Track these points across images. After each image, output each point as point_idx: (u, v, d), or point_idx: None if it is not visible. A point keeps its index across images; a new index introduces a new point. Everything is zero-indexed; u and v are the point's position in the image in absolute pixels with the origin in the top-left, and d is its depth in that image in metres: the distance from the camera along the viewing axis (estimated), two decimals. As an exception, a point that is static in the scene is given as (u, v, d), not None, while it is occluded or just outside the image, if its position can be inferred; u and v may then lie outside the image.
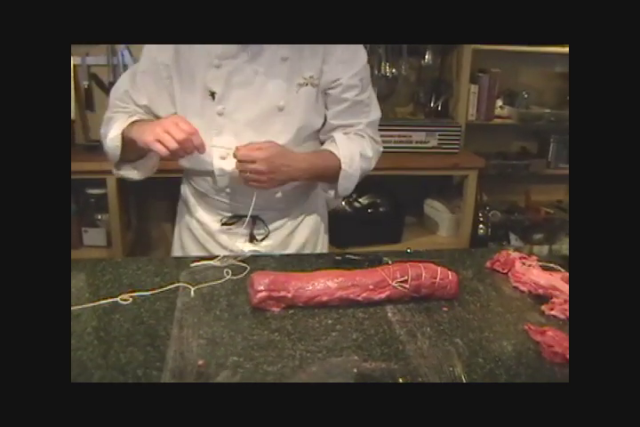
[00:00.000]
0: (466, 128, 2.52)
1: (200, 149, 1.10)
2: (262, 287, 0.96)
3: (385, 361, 0.82)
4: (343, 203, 2.40)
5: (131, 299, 0.99)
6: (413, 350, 0.85)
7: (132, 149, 1.18)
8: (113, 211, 2.16)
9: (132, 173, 1.27)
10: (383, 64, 2.48)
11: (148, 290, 1.02)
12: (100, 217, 2.25)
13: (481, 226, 2.53)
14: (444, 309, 0.99)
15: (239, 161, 1.12)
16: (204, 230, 1.32)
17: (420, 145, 2.39)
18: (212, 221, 1.31)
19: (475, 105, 2.60)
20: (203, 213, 1.32)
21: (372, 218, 2.41)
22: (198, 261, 1.13)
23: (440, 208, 2.55)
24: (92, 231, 2.24)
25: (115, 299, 0.99)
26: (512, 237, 2.70)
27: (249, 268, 1.10)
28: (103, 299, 0.99)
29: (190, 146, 1.08)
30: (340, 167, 1.21)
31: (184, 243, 1.37)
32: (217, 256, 1.16)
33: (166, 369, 0.79)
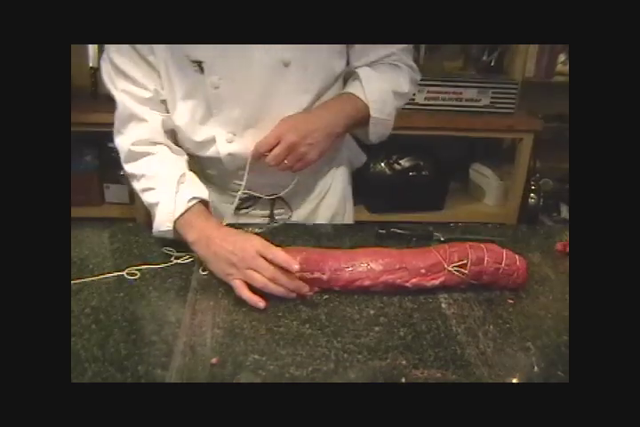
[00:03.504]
0: (522, 86, 2.27)
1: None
2: (292, 267, 0.80)
3: (440, 369, 0.66)
4: (383, 164, 2.21)
5: (138, 273, 0.85)
6: (475, 356, 0.69)
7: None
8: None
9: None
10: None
11: (158, 263, 0.88)
12: (122, 173, 2.11)
13: (532, 195, 2.31)
14: (510, 301, 0.82)
15: (259, 155, 0.94)
16: (216, 215, 1.07)
17: (470, 104, 2.16)
18: (223, 204, 1.09)
19: (533, 60, 2.33)
20: (214, 197, 1.03)
21: (413, 182, 2.22)
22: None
23: (488, 174, 2.34)
24: (113, 187, 2.11)
25: (121, 273, 0.85)
26: (563, 208, 2.48)
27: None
28: (108, 273, 0.85)
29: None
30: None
31: None
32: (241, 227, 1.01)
33: (173, 367, 0.65)
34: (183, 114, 0.95)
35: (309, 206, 1.14)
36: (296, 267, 0.76)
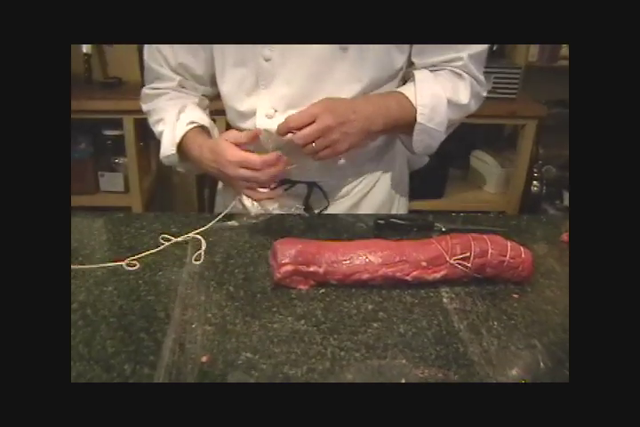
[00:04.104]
0: (525, 71, 2.22)
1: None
2: (287, 260, 0.77)
3: (441, 368, 0.63)
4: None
5: (126, 265, 0.82)
6: (478, 354, 0.66)
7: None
8: (131, 154, 1.97)
9: (190, 170, 1.05)
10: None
11: (144, 251, 0.84)
12: (117, 160, 2.06)
13: (534, 183, 2.27)
14: (514, 295, 0.79)
15: (288, 131, 0.86)
16: (249, 201, 1.05)
17: (472, 89, 2.12)
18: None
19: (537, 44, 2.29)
20: None
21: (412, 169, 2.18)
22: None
23: (489, 161, 2.29)
24: (108, 176, 2.06)
25: (110, 264, 0.82)
26: (566, 195, 2.44)
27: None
28: (97, 264, 0.82)
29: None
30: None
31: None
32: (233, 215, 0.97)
33: (161, 366, 0.62)
34: (231, 82, 0.96)
35: (349, 202, 1.08)
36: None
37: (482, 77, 0.98)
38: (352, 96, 0.93)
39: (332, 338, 0.67)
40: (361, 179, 1.07)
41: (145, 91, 1.05)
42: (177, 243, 0.88)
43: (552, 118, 2.27)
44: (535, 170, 2.28)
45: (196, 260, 0.84)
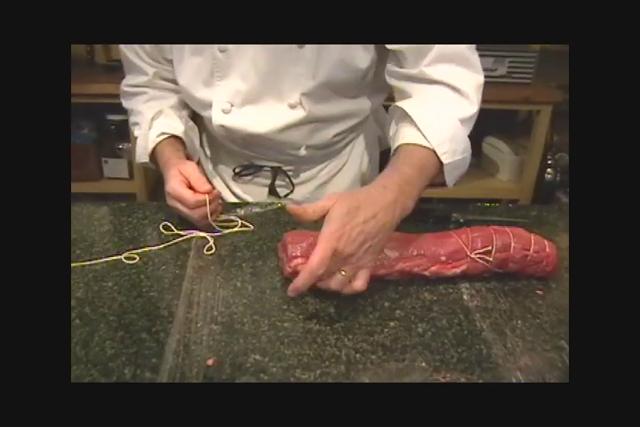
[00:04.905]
0: (540, 55, 2.15)
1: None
2: (299, 253, 0.73)
3: (464, 372, 0.59)
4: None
5: (125, 259, 0.77)
6: (502, 356, 0.62)
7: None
8: (135, 139, 1.92)
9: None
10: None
11: (146, 243, 0.80)
12: (121, 146, 2.01)
13: (548, 170, 2.21)
14: (538, 292, 0.74)
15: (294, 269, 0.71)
16: (220, 182, 1.08)
17: (486, 73, 2.00)
18: (225, 171, 1.06)
19: (553, 27, 2.21)
20: (217, 161, 1.07)
21: (425, 157, 2.12)
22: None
23: (502, 148, 2.23)
24: (112, 162, 2.01)
25: (109, 258, 0.77)
26: (580, 183, 2.38)
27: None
28: (96, 258, 0.77)
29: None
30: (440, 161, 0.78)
31: None
32: (240, 204, 0.93)
33: (164, 369, 0.58)
34: (188, 70, 0.91)
35: (314, 184, 1.05)
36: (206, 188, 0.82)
37: (477, 64, 0.87)
38: (306, 92, 0.88)
39: (347, 339, 0.63)
40: (327, 162, 1.04)
41: (123, 88, 1.03)
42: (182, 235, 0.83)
43: (567, 104, 2.20)
44: (549, 157, 2.21)
45: (207, 251, 0.80)
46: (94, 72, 2.02)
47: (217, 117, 0.92)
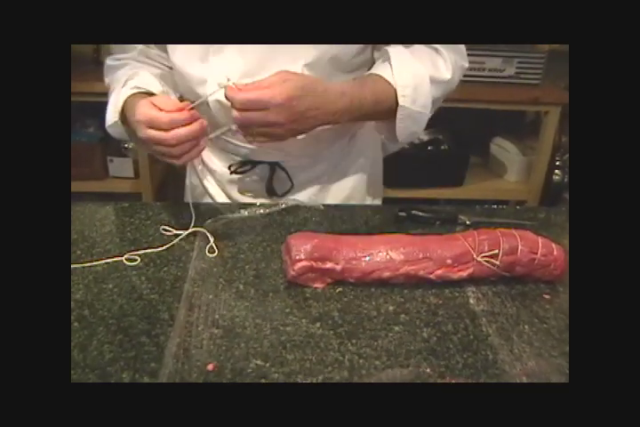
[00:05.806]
0: (549, 56, 2.13)
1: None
2: (302, 255, 0.71)
3: (469, 378, 0.58)
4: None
5: (139, 259, 0.76)
6: (509, 362, 0.60)
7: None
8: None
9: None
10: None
11: (148, 244, 0.79)
12: (127, 145, 2.00)
13: (556, 171, 2.19)
14: (546, 296, 0.73)
15: (237, 110, 0.72)
16: (214, 180, 1.05)
17: (494, 74, 2.02)
18: (221, 167, 1.02)
19: (562, 27, 2.18)
20: (212, 157, 1.03)
21: (432, 157, 2.10)
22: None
23: (510, 149, 2.21)
24: (117, 161, 2.01)
25: (109, 260, 0.76)
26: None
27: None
28: (96, 260, 0.76)
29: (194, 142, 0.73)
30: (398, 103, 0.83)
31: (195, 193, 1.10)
32: (247, 205, 0.92)
33: (163, 374, 0.57)
34: (182, 46, 0.86)
35: (316, 184, 1.02)
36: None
37: (461, 46, 0.89)
38: (309, 62, 0.83)
39: (351, 343, 0.62)
40: (327, 162, 1.01)
41: (107, 62, 0.99)
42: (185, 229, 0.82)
43: (576, 104, 2.17)
44: (557, 158, 2.19)
45: (210, 252, 0.78)
46: (100, 71, 2.00)
47: (211, 91, 0.83)
